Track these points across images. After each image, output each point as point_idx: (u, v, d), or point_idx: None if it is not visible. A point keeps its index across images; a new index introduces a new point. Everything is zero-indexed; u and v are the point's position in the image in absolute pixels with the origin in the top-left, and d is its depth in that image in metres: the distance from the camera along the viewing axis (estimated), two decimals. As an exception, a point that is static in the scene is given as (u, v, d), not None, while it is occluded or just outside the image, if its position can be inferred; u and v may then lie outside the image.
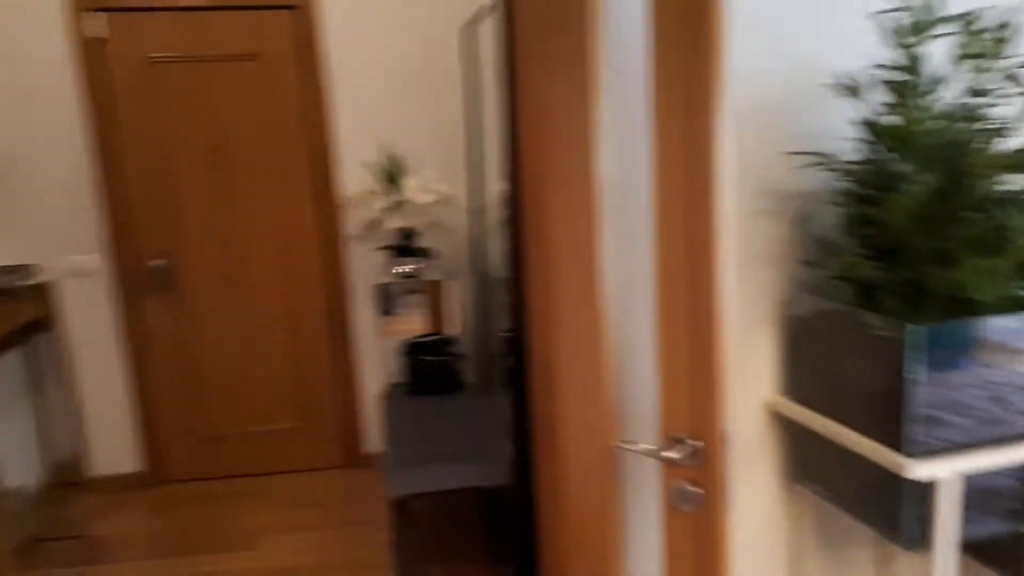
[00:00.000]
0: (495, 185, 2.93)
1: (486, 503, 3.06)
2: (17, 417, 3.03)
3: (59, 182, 3.03)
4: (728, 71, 1.13)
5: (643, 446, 1.21)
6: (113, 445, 3.29)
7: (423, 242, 3.19)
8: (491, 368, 3.25)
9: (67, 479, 3.27)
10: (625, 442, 1.24)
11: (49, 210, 3.05)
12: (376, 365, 3.41)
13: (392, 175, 3.07)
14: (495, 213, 3.03)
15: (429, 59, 3.19)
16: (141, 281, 3.20)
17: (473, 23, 3.01)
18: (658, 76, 1.15)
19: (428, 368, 3.19)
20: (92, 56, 2.97)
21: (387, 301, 3.26)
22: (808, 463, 1.52)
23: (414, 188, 3.04)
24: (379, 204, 3.02)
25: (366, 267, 3.32)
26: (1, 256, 3.02)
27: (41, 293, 2.67)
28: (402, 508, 2.97)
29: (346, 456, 3.50)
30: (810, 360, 1.45)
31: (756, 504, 1.57)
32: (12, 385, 3.03)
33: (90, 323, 3.17)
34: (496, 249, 3.08)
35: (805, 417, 1.46)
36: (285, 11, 3.06)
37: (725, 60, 1.02)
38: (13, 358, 3.02)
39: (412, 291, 3.27)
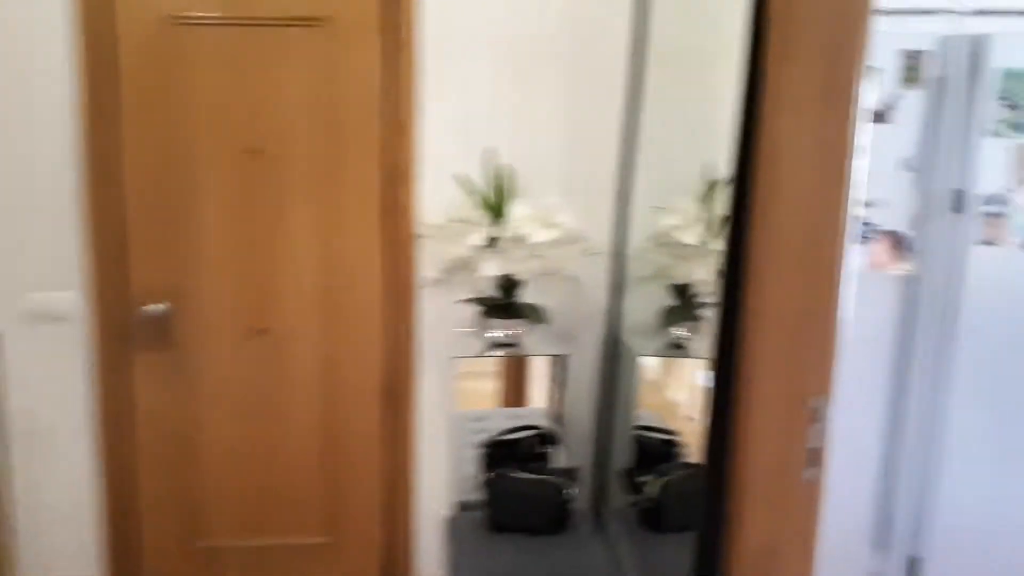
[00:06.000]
0: (653, 221, 1.98)
1: None
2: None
3: (31, 191, 2.24)
4: None
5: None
6: (66, 551, 2.42)
7: (531, 296, 2.25)
8: (618, 494, 2.25)
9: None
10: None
11: (12, 229, 2.25)
12: (444, 465, 2.45)
13: (496, 199, 2.16)
14: (645, 262, 2.08)
15: (578, 31, 2.22)
16: (128, 331, 2.37)
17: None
18: None
19: (518, 488, 2.22)
20: (95, 19, 2.19)
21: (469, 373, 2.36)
22: None
23: (526, 219, 2.14)
24: (473, 239, 2.13)
25: (444, 328, 2.37)
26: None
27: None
28: None
29: (389, 588, 2.59)
30: None
31: None
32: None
33: (49, 388, 2.35)
34: (638, 311, 2.13)
35: None
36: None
37: None
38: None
39: (506, 364, 2.41)
